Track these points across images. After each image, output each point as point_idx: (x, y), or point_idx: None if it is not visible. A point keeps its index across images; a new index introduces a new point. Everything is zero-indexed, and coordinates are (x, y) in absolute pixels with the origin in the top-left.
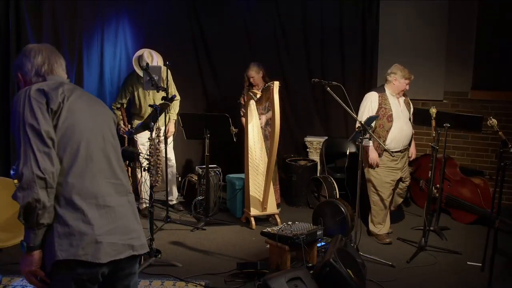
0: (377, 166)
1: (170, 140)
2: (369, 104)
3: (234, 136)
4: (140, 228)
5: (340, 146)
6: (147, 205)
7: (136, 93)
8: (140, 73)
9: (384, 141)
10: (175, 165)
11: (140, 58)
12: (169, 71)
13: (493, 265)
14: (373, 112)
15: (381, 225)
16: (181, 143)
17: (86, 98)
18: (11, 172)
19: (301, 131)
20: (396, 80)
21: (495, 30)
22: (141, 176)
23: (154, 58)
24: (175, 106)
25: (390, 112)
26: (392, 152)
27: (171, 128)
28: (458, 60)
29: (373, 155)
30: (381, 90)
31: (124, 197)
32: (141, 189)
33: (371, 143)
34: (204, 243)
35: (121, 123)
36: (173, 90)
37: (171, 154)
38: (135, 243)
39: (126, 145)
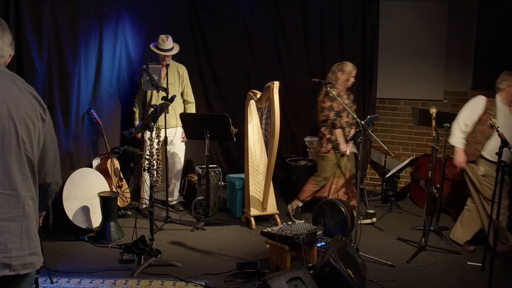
0: (462, 169)
1: (181, 142)
2: (472, 107)
3: (234, 136)
4: (30, 245)
5: None
6: (147, 205)
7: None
8: (158, 51)
9: (481, 147)
10: (182, 166)
11: (156, 42)
12: (185, 71)
13: (493, 265)
14: (472, 116)
15: (468, 235)
16: None
17: None
18: None
19: (301, 131)
20: (510, 87)
21: (495, 30)
22: (143, 175)
23: (169, 38)
24: (191, 110)
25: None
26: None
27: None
28: (458, 60)
29: (458, 158)
30: (491, 95)
31: (15, 209)
32: (142, 189)
33: (461, 145)
34: (204, 243)
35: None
36: (188, 91)
37: (181, 155)
38: (13, 262)
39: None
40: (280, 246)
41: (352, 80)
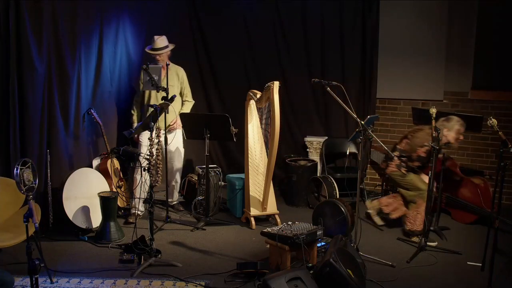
0: None
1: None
2: None
3: (234, 136)
4: None
5: (340, 146)
6: (139, 212)
7: (144, 83)
8: (149, 51)
9: None
10: (181, 169)
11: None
12: (184, 74)
13: (493, 265)
14: None
15: None
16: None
17: None
18: (15, 170)
19: (301, 131)
20: None
21: (495, 29)
22: (141, 176)
23: (160, 37)
24: (186, 108)
25: None
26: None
27: (179, 120)
28: (458, 60)
29: None
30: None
31: None
32: (135, 193)
33: None
34: (204, 243)
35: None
36: (187, 92)
37: (180, 156)
38: None
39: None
40: (280, 246)
41: (462, 137)
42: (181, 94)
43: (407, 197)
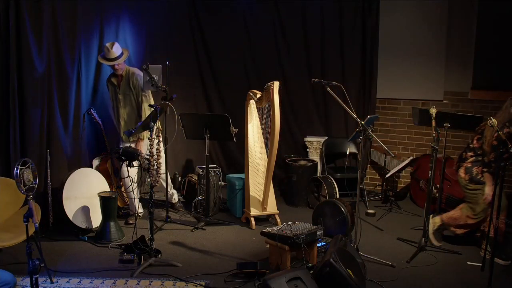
0: None
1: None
2: None
3: (234, 136)
4: None
5: (340, 146)
6: (138, 213)
7: (110, 93)
8: (105, 62)
9: None
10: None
11: (105, 50)
12: (136, 77)
13: (493, 265)
14: None
15: None
16: (181, 143)
17: None
18: (15, 170)
19: (301, 131)
20: None
21: (495, 30)
22: (141, 176)
23: (114, 45)
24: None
25: None
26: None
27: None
28: (458, 60)
29: None
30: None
31: None
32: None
33: None
34: (204, 243)
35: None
36: (144, 98)
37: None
38: None
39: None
40: (280, 246)
41: None
42: (140, 100)
43: (465, 203)
